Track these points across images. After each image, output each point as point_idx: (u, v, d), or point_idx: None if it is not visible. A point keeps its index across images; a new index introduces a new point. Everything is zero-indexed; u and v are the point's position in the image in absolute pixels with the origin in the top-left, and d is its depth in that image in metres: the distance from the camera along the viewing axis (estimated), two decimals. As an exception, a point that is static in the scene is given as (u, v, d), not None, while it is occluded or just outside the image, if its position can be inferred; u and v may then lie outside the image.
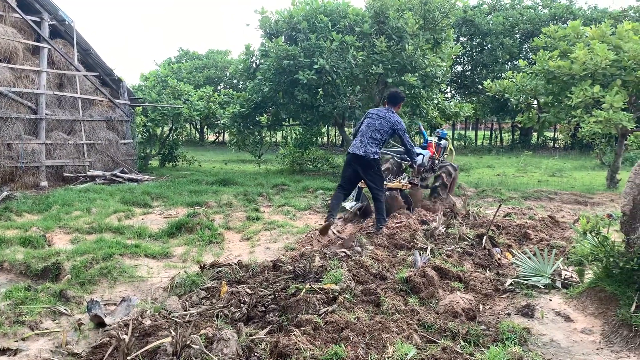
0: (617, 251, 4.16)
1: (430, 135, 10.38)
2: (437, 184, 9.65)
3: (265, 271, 5.15)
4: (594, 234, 4.28)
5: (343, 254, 5.54)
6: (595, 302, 4.28)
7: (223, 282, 4.85)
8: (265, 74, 13.81)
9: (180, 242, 6.70)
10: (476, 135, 35.77)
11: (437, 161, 9.83)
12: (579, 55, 11.27)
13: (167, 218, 8.14)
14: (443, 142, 10.02)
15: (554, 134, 31.95)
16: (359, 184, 7.70)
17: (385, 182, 7.70)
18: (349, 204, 8.08)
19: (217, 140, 36.48)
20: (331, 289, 4.33)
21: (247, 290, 4.64)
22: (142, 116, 16.42)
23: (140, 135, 15.96)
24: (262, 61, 13.97)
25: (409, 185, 8.63)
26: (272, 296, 4.32)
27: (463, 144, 33.69)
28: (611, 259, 4.10)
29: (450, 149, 10.91)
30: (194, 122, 25.19)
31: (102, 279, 5.21)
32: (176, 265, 5.78)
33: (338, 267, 4.86)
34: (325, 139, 33.53)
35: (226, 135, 26.02)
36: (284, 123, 16.48)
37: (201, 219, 7.38)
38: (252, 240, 6.82)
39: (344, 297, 4.19)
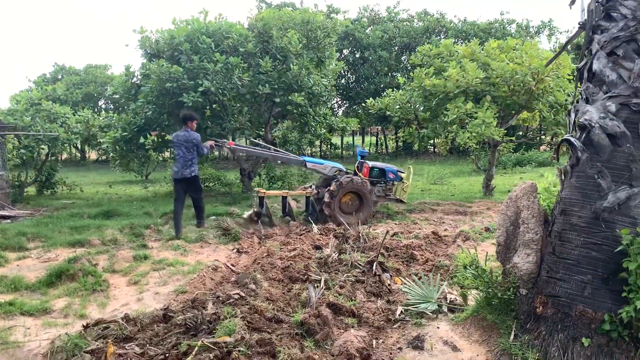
0: (495, 280, 4.41)
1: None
2: (324, 197, 10.19)
3: (155, 324, 4.87)
4: (473, 267, 4.52)
5: (237, 296, 5.41)
6: (479, 329, 4.52)
7: (109, 342, 4.52)
8: (147, 97, 13.25)
9: (61, 293, 6.17)
10: (363, 142, 36.97)
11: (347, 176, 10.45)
12: (452, 74, 11.99)
13: (46, 263, 7.47)
14: (370, 163, 11.18)
15: (434, 141, 33.82)
16: (259, 194, 9.96)
17: (287, 191, 10.82)
18: (247, 213, 10.05)
19: (100, 159, 34.50)
20: (225, 343, 4.19)
21: (136, 349, 4.37)
22: (15, 140, 15.07)
23: (12, 161, 14.63)
24: (144, 83, 13.38)
25: (314, 192, 10.49)
26: (163, 357, 4.10)
27: (352, 153, 34.62)
28: (489, 290, 4.34)
29: (403, 187, 11.24)
30: (74, 144, 23.64)
31: (-31, 351, 4.65)
32: (57, 323, 5.30)
33: (232, 315, 4.73)
34: (217, 153, 32.94)
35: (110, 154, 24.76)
36: (170, 145, 15.89)
37: (83, 264, 6.85)
38: (140, 284, 6.45)
39: (239, 351, 4.07)
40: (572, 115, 4.27)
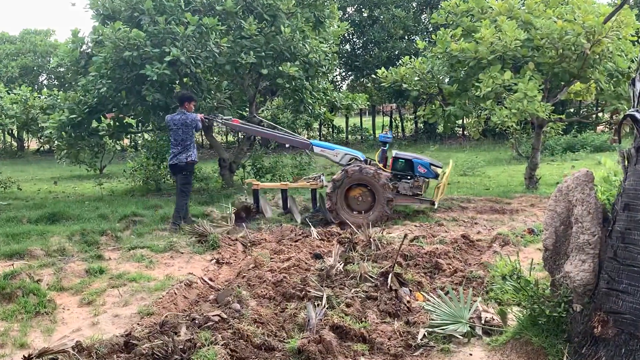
0: (542, 294, 4.42)
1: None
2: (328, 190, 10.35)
3: (115, 354, 4.90)
4: (514, 278, 4.53)
5: (217, 319, 5.43)
6: (522, 355, 4.53)
7: (57, 377, 4.55)
8: (100, 69, 13.22)
9: (-5, 317, 6.21)
10: (374, 124, 36.90)
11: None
12: (485, 36, 11.94)
13: (-25, 279, 7.52)
14: (393, 152, 11.16)
15: (463, 121, 33.85)
16: (253, 187, 10.74)
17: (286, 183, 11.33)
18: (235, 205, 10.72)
19: (42, 149, 34.56)
20: (203, 377, 4.21)
21: (91, 386, 4.40)
22: None
23: None
24: (96, 52, 13.35)
25: (322, 184, 10.85)
26: (125, 395, 4.11)
27: (359, 137, 34.67)
28: (535, 307, 4.35)
29: (437, 185, 11.11)
30: (9, 130, 23.71)
31: None
32: (-10, 354, 5.34)
33: (211, 342, 4.75)
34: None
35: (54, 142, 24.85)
36: (130, 129, 15.90)
37: (23, 281, 6.89)
38: (95, 304, 6.48)
39: (220, 387, 4.09)
40: (638, 85, 4.26)
